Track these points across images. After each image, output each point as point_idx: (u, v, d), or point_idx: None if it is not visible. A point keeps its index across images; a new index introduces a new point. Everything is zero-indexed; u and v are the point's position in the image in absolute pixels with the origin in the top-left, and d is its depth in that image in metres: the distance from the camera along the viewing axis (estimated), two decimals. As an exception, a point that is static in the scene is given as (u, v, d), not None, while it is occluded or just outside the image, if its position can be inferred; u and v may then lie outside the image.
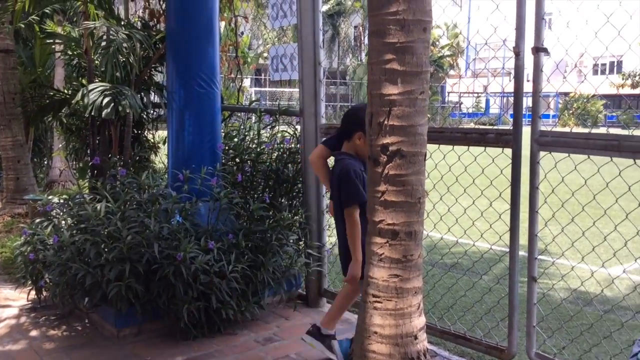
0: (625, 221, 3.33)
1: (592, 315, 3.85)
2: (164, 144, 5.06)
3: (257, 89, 32.55)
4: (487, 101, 33.65)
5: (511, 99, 2.96)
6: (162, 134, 5.05)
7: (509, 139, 2.95)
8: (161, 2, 4.71)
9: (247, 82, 31.54)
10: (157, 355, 3.28)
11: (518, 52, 2.85)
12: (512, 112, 3.06)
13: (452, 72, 42.85)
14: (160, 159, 5.38)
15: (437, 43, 42.42)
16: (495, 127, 3.55)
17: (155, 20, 4.87)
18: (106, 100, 3.94)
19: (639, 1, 2.48)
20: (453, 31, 42.32)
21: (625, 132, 2.70)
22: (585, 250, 3.43)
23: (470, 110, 34.90)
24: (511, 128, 2.95)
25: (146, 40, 4.30)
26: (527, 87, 2.89)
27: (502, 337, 3.23)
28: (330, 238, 4.32)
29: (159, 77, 5.11)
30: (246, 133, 4.25)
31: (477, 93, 35.47)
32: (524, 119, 3.01)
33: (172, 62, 3.99)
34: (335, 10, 37.72)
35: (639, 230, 3.16)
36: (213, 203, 3.64)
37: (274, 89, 30.96)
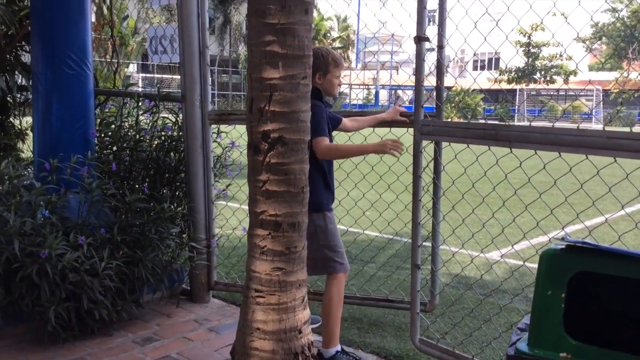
0: (502, 208, 3.46)
1: (472, 300, 3.98)
2: (32, 130, 4.63)
3: (145, 75, 31.27)
4: (377, 93, 34.52)
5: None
6: (31, 120, 4.62)
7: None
8: (27, -25, 4.29)
9: (133, 68, 30.17)
10: (20, 363, 2.98)
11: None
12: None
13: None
14: (29, 147, 4.93)
15: (329, 35, 43.00)
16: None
17: (21, -6, 4.44)
18: (-39, 80, 3.52)
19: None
20: (344, 24, 43.08)
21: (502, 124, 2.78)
22: (465, 237, 3.52)
23: (360, 102, 35.64)
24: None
25: (9, 15, 3.90)
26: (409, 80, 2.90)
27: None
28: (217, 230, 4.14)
29: (27, 58, 4.67)
30: (124, 119, 3.97)
31: (367, 85, 36.28)
32: (408, 110, 3.03)
33: (38, 41, 3.62)
34: (227, -4, 37.05)
35: (515, 216, 3.29)
36: (84, 195, 3.36)
37: (162, 76, 29.85)
